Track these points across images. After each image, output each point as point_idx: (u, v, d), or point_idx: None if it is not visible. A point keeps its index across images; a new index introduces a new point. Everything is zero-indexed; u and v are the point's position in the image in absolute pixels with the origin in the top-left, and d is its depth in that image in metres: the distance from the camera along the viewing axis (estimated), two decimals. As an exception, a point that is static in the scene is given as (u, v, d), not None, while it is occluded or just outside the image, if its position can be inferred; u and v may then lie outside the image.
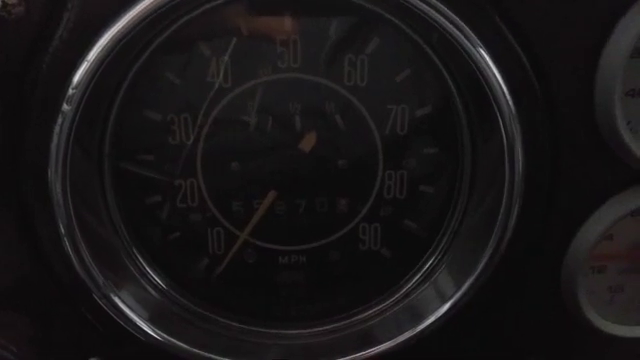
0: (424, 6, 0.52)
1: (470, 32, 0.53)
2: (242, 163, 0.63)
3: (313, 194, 0.65)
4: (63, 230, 0.56)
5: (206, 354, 0.63)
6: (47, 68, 0.52)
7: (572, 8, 0.53)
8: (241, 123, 0.62)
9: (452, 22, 0.53)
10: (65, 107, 0.52)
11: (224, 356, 0.64)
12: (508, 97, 0.54)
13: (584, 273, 0.63)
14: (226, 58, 0.59)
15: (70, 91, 0.52)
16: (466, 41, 0.53)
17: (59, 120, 0.53)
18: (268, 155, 0.63)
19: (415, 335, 0.62)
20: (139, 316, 0.61)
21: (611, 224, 0.60)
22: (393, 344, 0.62)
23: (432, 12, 0.53)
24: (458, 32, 0.53)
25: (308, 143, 0.63)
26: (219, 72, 0.59)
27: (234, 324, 0.69)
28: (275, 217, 0.65)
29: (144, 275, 0.66)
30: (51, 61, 0.52)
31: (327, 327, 0.69)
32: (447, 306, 0.62)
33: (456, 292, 0.61)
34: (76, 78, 0.52)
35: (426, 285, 0.67)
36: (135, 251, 0.66)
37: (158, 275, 0.67)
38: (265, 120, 0.62)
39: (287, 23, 0.59)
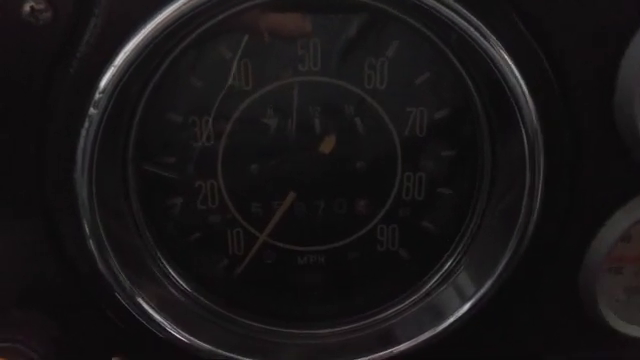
0: (442, 8, 0.53)
1: (489, 33, 0.53)
2: (262, 165, 0.64)
3: (332, 195, 0.66)
4: (88, 231, 0.57)
5: (226, 353, 0.64)
6: (74, 73, 0.53)
7: (593, 8, 0.54)
8: (261, 125, 0.62)
9: (471, 23, 0.53)
10: (92, 111, 0.53)
11: (243, 355, 0.65)
12: (528, 98, 0.55)
13: (602, 274, 0.63)
14: (247, 61, 0.60)
15: (97, 95, 0.53)
16: (485, 42, 0.54)
17: (86, 124, 0.54)
18: (288, 157, 0.64)
19: (436, 334, 0.63)
20: (161, 316, 0.62)
21: (629, 226, 0.60)
22: (414, 343, 0.63)
23: (451, 14, 0.53)
24: (477, 34, 0.53)
25: (328, 145, 0.63)
26: (240, 75, 0.60)
27: (254, 324, 0.70)
28: (294, 218, 0.66)
29: (166, 276, 0.67)
30: (78, 66, 0.53)
31: (346, 327, 0.69)
32: (468, 306, 0.62)
33: (476, 292, 0.62)
34: (103, 83, 0.53)
35: (446, 285, 0.67)
36: (158, 252, 0.67)
37: (180, 276, 0.68)
38: (285, 122, 0.62)
39: (308, 26, 0.59)
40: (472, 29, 0.53)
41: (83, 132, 0.54)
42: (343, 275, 0.70)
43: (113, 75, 0.52)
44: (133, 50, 0.51)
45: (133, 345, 0.66)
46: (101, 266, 0.59)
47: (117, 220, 0.62)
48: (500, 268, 0.60)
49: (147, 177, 0.64)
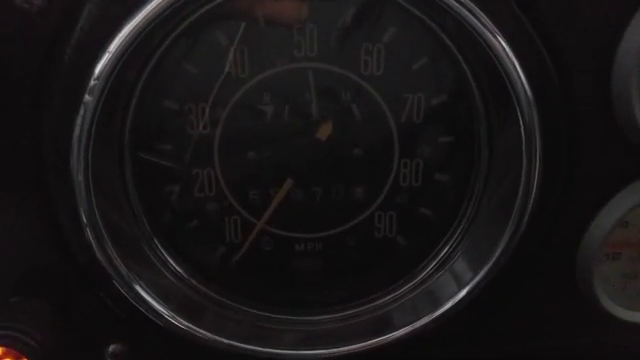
0: None
1: (487, 19, 0.53)
2: (259, 152, 0.64)
3: (329, 182, 0.66)
4: (85, 220, 0.57)
5: (224, 340, 0.64)
6: (69, 59, 0.53)
7: None
8: (258, 112, 0.62)
9: (468, 9, 0.53)
10: (87, 98, 0.53)
11: (241, 342, 0.65)
12: (526, 85, 0.55)
13: (599, 260, 0.63)
14: (243, 47, 0.59)
15: (92, 82, 0.53)
16: (483, 28, 0.53)
17: (81, 111, 0.53)
18: (284, 144, 0.64)
19: (433, 320, 0.63)
20: (159, 303, 0.62)
21: (627, 212, 0.61)
22: (411, 329, 0.63)
23: (450, 0, 0.53)
24: (474, 20, 0.53)
25: (325, 132, 0.63)
26: (236, 61, 0.60)
27: (251, 311, 0.70)
28: (291, 205, 0.66)
29: (164, 263, 0.67)
30: (73, 52, 0.53)
31: (344, 313, 0.70)
32: (465, 292, 0.62)
33: (473, 278, 0.62)
34: (98, 69, 0.52)
35: (443, 271, 0.67)
36: (155, 240, 0.67)
37: (177, 263, 0.68)
38: (282, 109, 0.62)
39: (304, 11, 0.59)
40: (469, 15, 0.53)
41: (78, 119, 0.54)
42: (341, 262, 0.70)
43: (108, 61, 0.52)
44: (128, 36, 0.51)
45: (132, 333, 0.66)
46: (99, 254, 0.59)
47: (114, 208, 0.62)
48: (497, 254, 0.60)
49: (144, 165, 0.64)
